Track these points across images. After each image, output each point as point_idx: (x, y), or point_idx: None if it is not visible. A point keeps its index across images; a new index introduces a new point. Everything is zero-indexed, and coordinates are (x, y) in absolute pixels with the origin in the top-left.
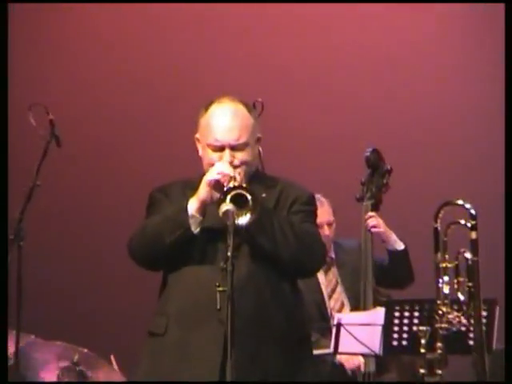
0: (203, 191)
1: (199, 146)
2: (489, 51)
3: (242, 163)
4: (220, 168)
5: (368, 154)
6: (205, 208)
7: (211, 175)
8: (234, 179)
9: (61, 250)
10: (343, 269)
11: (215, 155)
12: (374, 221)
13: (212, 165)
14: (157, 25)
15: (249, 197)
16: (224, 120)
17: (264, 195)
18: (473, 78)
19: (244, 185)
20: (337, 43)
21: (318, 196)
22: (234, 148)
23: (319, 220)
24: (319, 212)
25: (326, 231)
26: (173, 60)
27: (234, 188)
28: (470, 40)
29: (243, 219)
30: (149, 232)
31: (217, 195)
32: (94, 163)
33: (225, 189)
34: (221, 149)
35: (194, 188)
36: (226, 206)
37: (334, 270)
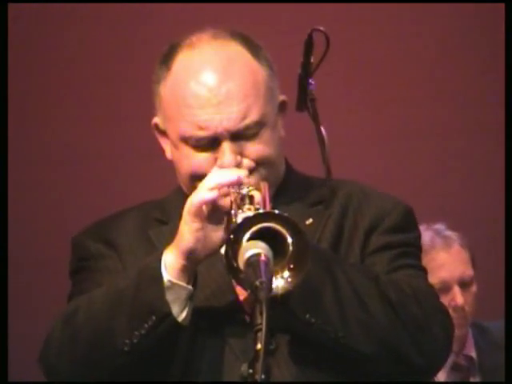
0: (188, 230)
1: (165, 143)
2: (489, 52)
3: (260, 163)
4: (217, 177)
5: None
6: (195, 266)
7: (201, 194)
8: (251, 200)
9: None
10: (494, 378)
11: (202, 157)
12: None
13: (197, 176)
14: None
15: (289, 237)
16: (208, 83)
17: (310, 221)
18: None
19: (276, 211)
20: None
21: (438, 228)
22: (237, 137)
23: (444, 275)
24: (444, 259)
25: (457, 298)
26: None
27: (258, 218)
28: (469, 40)
29: (276, 282)
30: (84, 329)
31: (218, 236)
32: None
33: (237, 218)
34: (211, 143)
35: (164, 223)
36: (253, 248)
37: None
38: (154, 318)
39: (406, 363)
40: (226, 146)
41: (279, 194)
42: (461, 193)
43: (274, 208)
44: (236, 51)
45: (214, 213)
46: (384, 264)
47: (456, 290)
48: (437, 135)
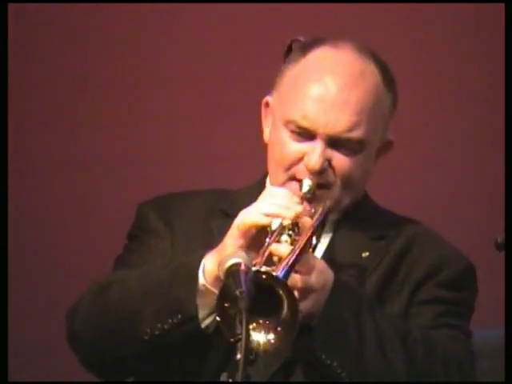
0: (233, 244)
1: (267, 124)
2: (489, 52)
3: (340, 179)
4: (278, 207)
5: None
6: None
7: (256, 217)
8: (295, 228)
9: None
10: None
11: (293, 148)
12: None
13: (282, 164)
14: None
15: (286, 305)
16: (332, 83)
17: (366, 255)
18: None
19: (282, 278)
20: None
21: None
22: (334, 144)
23: None
24: None
25: None
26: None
27: (263, 274)
28: (469, 40)
29: (258, 337)
30: (114, 307)
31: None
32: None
33: (270, 247)
34: (308, 136)
35: (229, 216)
36: (233, 257)
37: None
38: (179, 316)
39: None
40: (319, 148)
41: (345, 219)
42: (460, 200)
43: (335, 230)
44: (371, 71)
45: (259, 234)
46: (429, 318)
47: None
48: (435, 138)
